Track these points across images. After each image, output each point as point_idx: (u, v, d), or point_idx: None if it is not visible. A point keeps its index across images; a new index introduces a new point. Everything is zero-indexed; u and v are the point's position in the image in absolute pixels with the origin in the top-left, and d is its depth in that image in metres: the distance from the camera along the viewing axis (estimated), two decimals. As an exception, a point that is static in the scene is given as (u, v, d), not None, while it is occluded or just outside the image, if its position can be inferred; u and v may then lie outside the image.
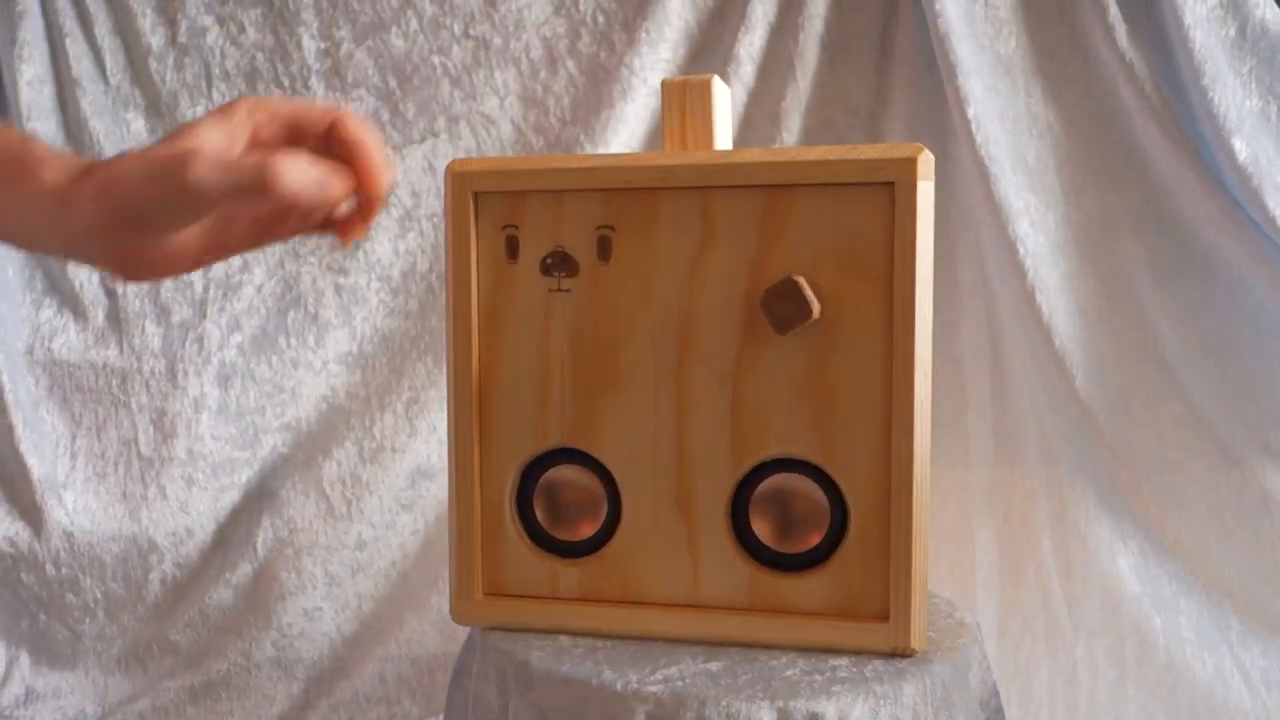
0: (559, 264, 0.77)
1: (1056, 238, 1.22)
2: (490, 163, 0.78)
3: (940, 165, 1.30)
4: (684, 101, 0.80)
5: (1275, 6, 1.20)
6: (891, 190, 0.71)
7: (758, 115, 1.33)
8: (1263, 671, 1.12)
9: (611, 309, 0.76)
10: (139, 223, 0.55)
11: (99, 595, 1.31)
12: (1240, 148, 1.14)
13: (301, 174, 0.54)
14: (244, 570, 1.32)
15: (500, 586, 0.79)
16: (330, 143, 0.59)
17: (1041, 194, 1.23)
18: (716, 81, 0.80)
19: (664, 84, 0.80)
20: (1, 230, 0.58)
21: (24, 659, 1.32)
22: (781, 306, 0.72)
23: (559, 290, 0.77)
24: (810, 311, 0.71)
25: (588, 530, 0.78)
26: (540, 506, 0.79)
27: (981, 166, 1.21)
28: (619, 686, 0.66)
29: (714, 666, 0.70)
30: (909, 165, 0.71)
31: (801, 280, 0.72)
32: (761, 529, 0.75)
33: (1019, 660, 1.17)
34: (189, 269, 0.60)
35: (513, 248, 0.78)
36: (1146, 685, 1.14)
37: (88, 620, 1.32)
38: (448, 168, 0.78)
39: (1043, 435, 1.22)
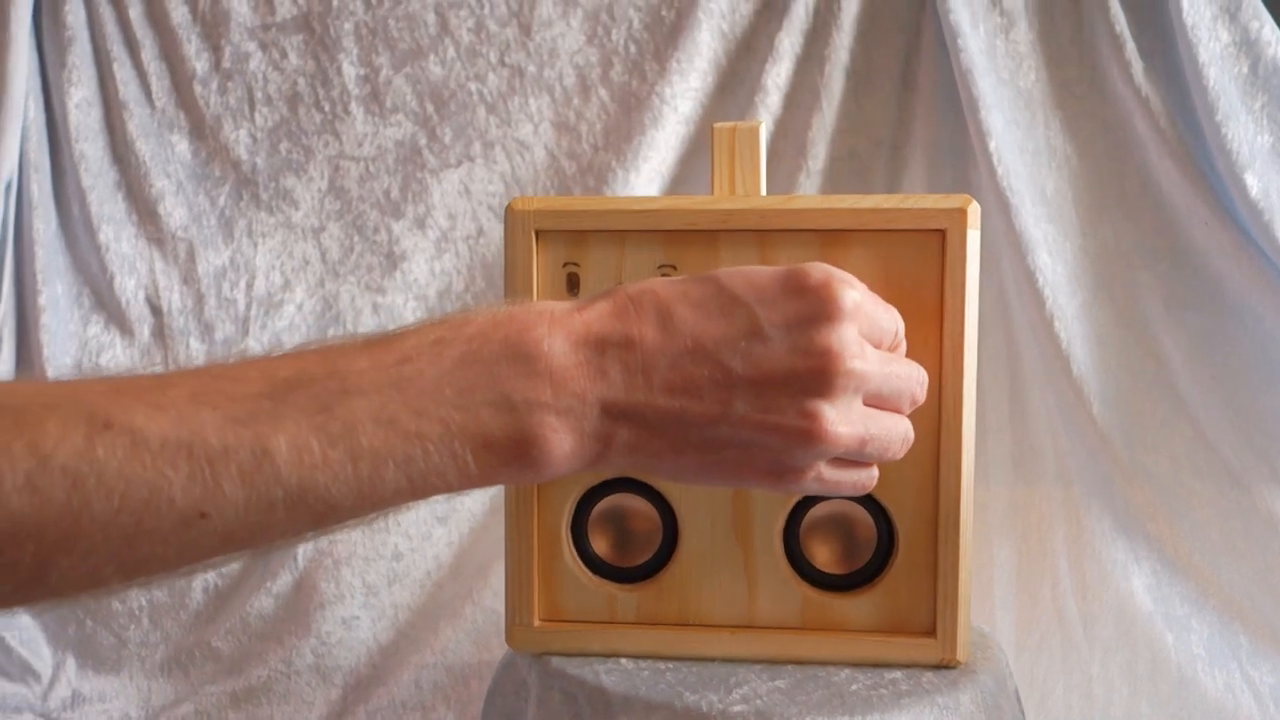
0: (621, 301, 0.81)
1: (1074, 267, 1.27)
2: (551, 201, 0.82)
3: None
4: (733, 146, 0.84)
5: (1286, 46, 1.25)
6: (943, 238, 0.76)
7: (784, 144, 1.38)
8: (1271, 688, 1.17)
9: (672, 344, 0.80)
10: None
11: (144, 603, 1.35)
12: (1252, 183, 1.19)
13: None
14: (284, 580, 1.36)
15: (557, 613, 0.83)
16: None
17: (1059, 224, 1.28)
18: (763, 127, 0.85)
19: (715, 128, 0.85)
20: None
21: (70, 663, 1.36)
22: None
23: (621, 325, 0.81)
24: None
25: (645, 557, 0.82)
26: (597, 534, 0.83)
27: (1002, 198, 1.26)
28: (704, 708, 0.70)
29: (781, 684, 0.74)
30: (960, 215, 0.76)
31: None
32: (814, 552, 0.80)
33: (1036, 675, 1.22)
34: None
35: (573, 284, 0.82)
36: (1159, 700, 1.19)
37: (132, 627, 1.36)
38: (509, 206, 0.82)
39: (1059, 458, 1.27)
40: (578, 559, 0.83)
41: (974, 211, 0.76)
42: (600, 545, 0.83)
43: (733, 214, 0.79)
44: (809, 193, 1.36)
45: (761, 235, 0.79)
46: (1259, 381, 1.21)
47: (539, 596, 0.83)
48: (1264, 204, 1.18)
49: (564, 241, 0.81)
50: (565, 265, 0.82)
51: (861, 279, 0.77)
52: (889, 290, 0.77)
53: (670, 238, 0.80)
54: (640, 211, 0.80)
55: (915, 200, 0.77)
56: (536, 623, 0.82)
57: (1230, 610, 1.20)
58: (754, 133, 0.83)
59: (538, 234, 0.81)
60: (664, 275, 0.81)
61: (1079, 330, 1.24)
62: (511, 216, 0.81)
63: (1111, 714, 1.20)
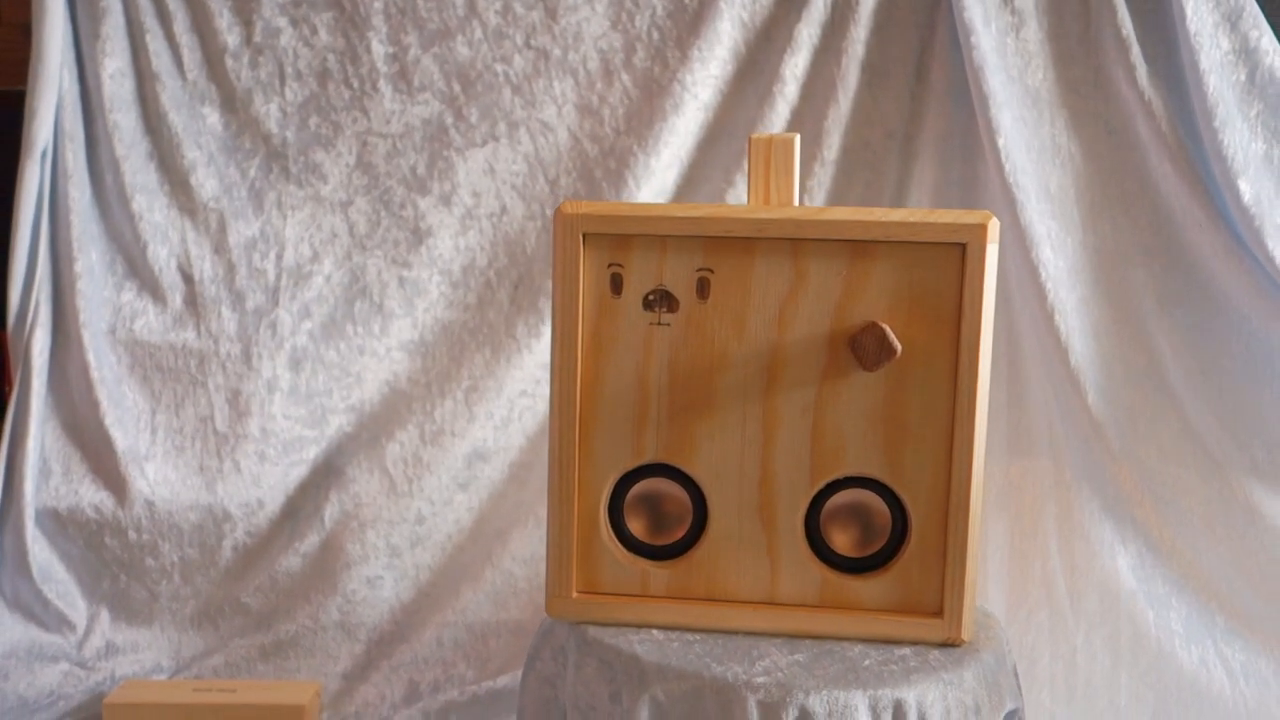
0: (660, 300, 0.87)
1: (1074, 262, 1.33)
2: (598, 206, 0.88)
3: (969, 188, 1.40)
4: (769, 156, 0.90)
5: (1283, 55, 1.30)
6: (963, 250, 0.82)
7: (800, 133, 1.42)
8: (1242, 664, 1.26)
9: (708, 342, 0.86)
10: None
11: (175, 559, 1.42)
12: (1245, 189, 1.25)
13: None
14: (312, 540, 1.42)
15: (593, 585, 0.90)
16: None
17: (1062, 220, 1.34)
18: (797, 139, 0.90)
19: (752, 139, 0.90)
20: None
21: (104, 615, 1.42)
22: (871, 347, 0.82)
23: (659, 324, 0.87)
24: (895, 351, 0.82)
25: (676, 536, 0.89)
26: (632, 515, 0.90)
27: (1009, 193, 1.31)
28: (730, 678, 0.77)
29: (800, 658, 0.81)
30: (980, 230, 0.82)
31: (885, 325, 0.82)
32: (833, 537, 0.87)
33: (1024, 645, 1.30)
34: None
35: (617, 284, 0.87)
36: (1138, 672, 1.27)
37: (164, 582, 1.42)
38: (558, 209, 0.87)
39: (1054, 443, 1.34)
40: (614, 537, 0.89)
41: (994, 227, 0.82)
42: (635, 525, 0.89)
43: (769, 223, 0.84)
44: (823, 182, 1.41)
45: (795, 244, 0.84)
46: (1243, 379, 1.29)
47: (577, 570, 0.89)
48: (1255, 210, 1.24)
49: (609, 244, 0.87)
50: (610, 266, 0.87)
51: (887, 287, 0.84)
52: (912, 296, 0.84)
53: (709, 244, 0.85)
54: (682, 218, 0.86)
55: (939, 215, 0.83)
56: (575, 594, 0.89)
57: (1207, 592, 1.28)
58: (789, 144, 0.89)
59: (585, 237, 0.87)
60: (702, 279, 0.87)
61: (1077, 324, 1.31)
62: (560, 219, 0.87)
63: (1093, 683, 1.28)
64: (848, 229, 0.83)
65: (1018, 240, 1.32)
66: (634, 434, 0.88)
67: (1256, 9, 1.30)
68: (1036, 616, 1.31)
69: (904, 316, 0.84)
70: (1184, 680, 1.26)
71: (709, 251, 0.86)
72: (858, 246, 0.84)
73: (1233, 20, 1.30)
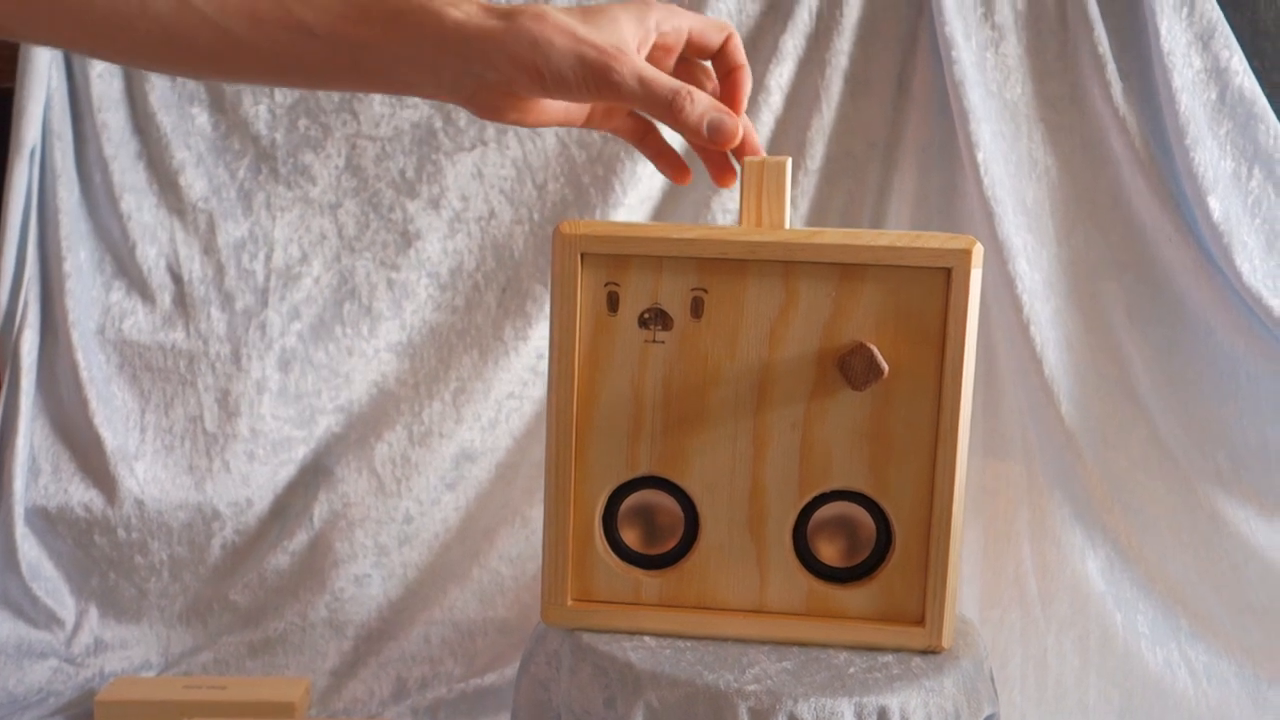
0: (655, 319, 0.90)
1: (1048, 275, 1.37)
2: (596, 226, 0.90)
3: (949, 198, 1.44)
4: (762, 178, 0.92)
5: (1252, 76, 1.35)
6: (948, 274, 0.85)
7: (784, 143, 1.45)
8: (1205, 666, 1.30)
9: (701, 359, 0.89)
10: (542, 83, 0.61)
11: (165, 557, 1.43)
12: (1214, 206, 1.29)
13: (704, 110, 0.63)
14: (300, 539, 1.44)
15: (588, 594, 0.92)
16: (718, 57, 0.65)
17: (1037, 234, 1.38)
18: (789, 162, 0.93)
19: (745, 161, 0.92)
20: (391, 72, 0.61)
21: (93, 612, 1.43)
22: (859, 367, 0.86)
23: (654, 342, 0.90)
24: (883, 371, 0.85)
25: (668, 547, 0.92)
26: (626, 525, 0.92)
27: (987, 206, 1.35)
28: (721, 686, 0.80)
29: (789, 665, 0.84)
30: (965, 256, 0.85)
31: (873, 346, 0.86)
32: (820, 548, 0.90)
33: (996, 646, 1.35)
34: (536, 125, 0.67)
35: (613, 302, 0.90)
36: (1106, 672, 1.32)
37: (153, 579, 1.43)
38: (557, 229, 0.90)
39: (1027, 450, 1.38)
40: (608, 547, 0.92)
41: (977, 252, 0.85)
42: (628, 535, 0.92)
43: (762, 245, 0.87)
44: (806, 191, 1.44)
45: (787, 265, 0.87)
46: (1209, 390, 1.33)
47: (572, 579, 0.92)
48: (1224, 227, 1.28)
49: (606, 264, 0.89)
50: (606, 285, 0.90)
51: (874, 308, 0.87)
52: (898, 317, 0.87)
53: (703, 265, 0.88)
54: (677, 239, 0.88)
55: (926, 239, 0.86)
56: (569, 602, 0.92)
57: (1173, 595, 1.33)
58: (781, 167, 0.91)
59: (583, 256, 0.89)
60: (696, 299, 0.89)
61: (1052, 336, 1.35)
62: (559, 239, 0.89)
63: (1063, 683, 1.33)
64: (837, 252, 0.86)
65: (995, 253, 1.36)
66: (628, 448, 0.90)
67: (1228, 30, 1.34)
68: (1009, 618, 1.35)
69: (890, 337, 0.87)
70: (1149, 680, 1.30)
71: (703, 272, 0.88)
72: (847, 269, 0.87)
73: (1205, 40, 1.33)
